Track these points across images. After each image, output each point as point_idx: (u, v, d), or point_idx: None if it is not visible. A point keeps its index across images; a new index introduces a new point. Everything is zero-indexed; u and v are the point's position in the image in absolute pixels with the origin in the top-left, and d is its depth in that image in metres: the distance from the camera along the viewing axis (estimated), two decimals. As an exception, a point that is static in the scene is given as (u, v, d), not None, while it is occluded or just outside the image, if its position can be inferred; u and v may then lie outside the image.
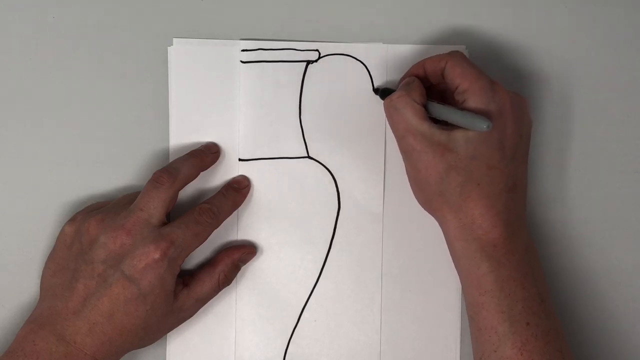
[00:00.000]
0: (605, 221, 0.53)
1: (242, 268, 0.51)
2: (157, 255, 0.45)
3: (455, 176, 0.45)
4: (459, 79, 0.46)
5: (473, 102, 0.45)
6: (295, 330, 0.52)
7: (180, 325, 0.49)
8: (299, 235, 0.52)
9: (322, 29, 0.52)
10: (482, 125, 0.43)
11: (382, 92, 0.50)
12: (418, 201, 0.48)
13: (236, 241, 0.52)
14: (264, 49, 0.52)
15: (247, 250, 0.51)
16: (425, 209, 0.48)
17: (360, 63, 0.52)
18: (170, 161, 0.50)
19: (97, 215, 0.47)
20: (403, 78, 0.50)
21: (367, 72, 0.52)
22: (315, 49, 0.52)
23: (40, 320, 0.45)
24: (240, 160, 0.52)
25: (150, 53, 0.52)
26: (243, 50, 0.52)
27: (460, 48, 0.52)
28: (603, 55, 0.53)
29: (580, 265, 0.53)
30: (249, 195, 0.52)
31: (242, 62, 0.52)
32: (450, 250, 0.47)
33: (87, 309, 0.45)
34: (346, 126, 0.52)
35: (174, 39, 0.52)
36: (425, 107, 0.47)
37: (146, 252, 0.45)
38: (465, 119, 0.44)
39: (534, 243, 0.48)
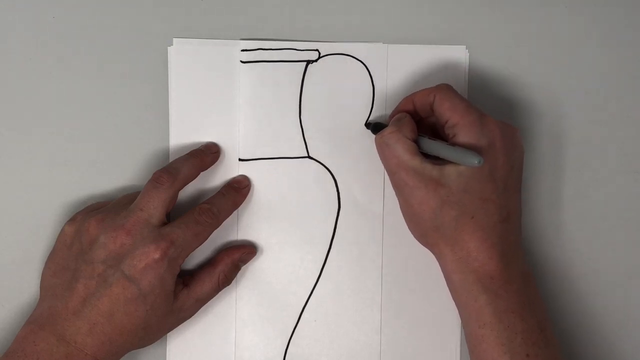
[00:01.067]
0: (605, 221, 0.53)
1: (242, 268, 0.51)
2: (157, 255, 0.45)
3: (449, 210, 0.45)
4: (448, 113, 0.46)
5: (463, 136, 0.46)
6: (295, 330, 0.52)
7: (180, 325, 0.49)
8: (299, 235, 0.52)
9: (322, 29, 0.52)
10: (474, 160, 0.44)
11: (374, 127, 0.50)
12: (413, 235, 0.48)
13: (236, 241, 0.52)
14: (264, 49, 0.52)
15: (247, 250, 0.51)
16: (421, 243, 0.48)
17: (360, 63, 0.52)
18: (170, 161, 0.50)
19: (97, 215, 0.47)
20: (393, 113, 0.50)
21: (367, 72, 0.52)
22: (315, 48, 0.52)
23: (40, 320, 0.45)
24: (240, 160, 0.52)
25: (150, 53, 0.52)
26: (243, 50, 0.52)
27: (460, 48, 0.52)
28: (603, 54, 0.53)
29: (580, 265, 0.53)
30: (249, 195, 0.52)
31: (242, 62, 0.52)
32: (447, 284, 0.47)
33: (87, 309, 0.45)
34: (346, 126, 0.52)
35: (174, 39, 0.52)
36: (416, 142, 0.47)
37: (146, 252, 0.45)
38: (456, 155, 0.45)
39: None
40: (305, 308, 0.52)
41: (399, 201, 0.48)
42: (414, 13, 0.53)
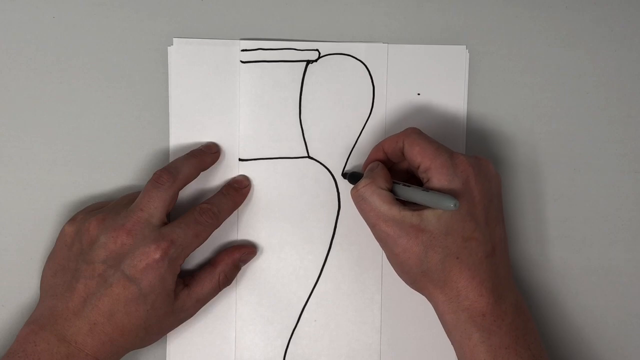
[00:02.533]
0: (605, 221, 0.53)
1: (242, 268, 0.51)
2: (157, 255, 0.45)
3: (434, 255, 0.45)
4: (418, 157, 0.46)
5: (437, 180, 0.46)
6: (295, 330, 0.52)
7: (180, 325, 0.49)
8: (299, 235, 0.52)
9: (322, 28, 0.52)
10: (449, 204, 0.43)
11: (351, 177, 0.51)
12: (404, 281, 0.48)
13: (236, 241, 0.52)
14: (264, 49, 0.52)
15: (247, 250, 0.51)
16: (412, 288, 0.48)
17: (360, 63, 0.52)
18: (170, 161, 0.50)
19: (97, 215, 0.47)
20: (366, 163, 0.50)
21: (367, 72, 0.52)
22: (315, 48, 0.52)
23: (40, 320, 0.45)
24: (240, 160, 0.52)
25: (150, 53, 0.52)
26: (243, 50, 0.52)
27: (461, 48, 0.52)
28: (603, 53, 0.53)
29: (580, 265, 0.53)
30: (249, 195, 0.52)
31: (242, 62, 0.52)
32: (442, 324, 0.47)
33: (87, 309, 0.45)
34: (346, 126, 0.52)
35: (174, 39, 0.52)
36: (392, 190, 0.47)
37: (147, 252, 0.45)
38: (432, 200, 0.45)
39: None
40: (305, 308, 0.52)
41: (384, 251, 0.48)
42: (414, 13, 0.53)
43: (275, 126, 0.52)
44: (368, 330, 0.52)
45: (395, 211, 0.45)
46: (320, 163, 0.52)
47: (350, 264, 0.52)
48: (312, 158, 0.52)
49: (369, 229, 0.47)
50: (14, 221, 0.51)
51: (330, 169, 0.52)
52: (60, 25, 0.52)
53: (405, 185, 0.47)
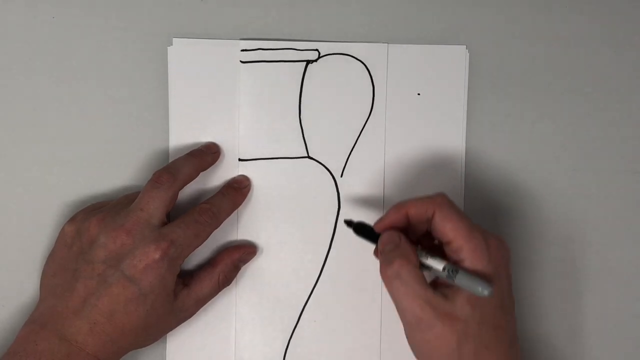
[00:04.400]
0: (605, 221, 0.53)
1: (242, 268, 0.51)
2: (157, 255, 0.45)
3: (467, 345, 0.43)
4: (450, 234, 0.44)
5: (470, 263, 0.43)
6: (295, 330, 0.52)
7: (180, 325, 0.49)
8: (299, 235, 0.52)
9: (322, 29, 0.52)
10: (485, 291, 0.42)
11: (356, 228, 0.47)
12: None
13: (236, 241, 0.52)
14: (264, 49, 0.52)
15: (247, 250, 0.51)
16: None
17: (360, 63, 0.52)
18: (170, 161, 0.50)
19: (97, 215, 0.47)
20: (384, 223, 0.46)
21: (367, 72, 0.52)
22: (315, 48, 0.52)
23: (41, 320, 0.45)
24: (240, 160, 0.52)
25: (150, 53, 0.52)
26: (243, 50, 0.52)
27: (461, 48, 0.52)
28: (603, 53, 0.53)
29: (580, 265, 0.53)
30: (249, 195, 0.52)
31: (242, 62, 0.52)
32: None
33: (87, 308, 0.45)
34: (346, 126, 0.52)
35: (174, 39, 0.52)
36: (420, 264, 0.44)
37: (146, 252, 0.45)
38: (462, 281, 0.43)
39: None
40: (305, 308, 0.52)
41: (410, 337, 0.45)
42: (414, 13, 0.53)
43: (275, 126, 0.52)
44: (368, 330, 0.52)
45: (430, 295, 0.43)
46: (320, 163, 0.52)
47: (350, 264, 0.52)
48: (312, 158, 0.52)
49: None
50: (14, 221, 0.52)
51: (330, 169, 0.52)
52: (60, 25, 0.52)
53: (433, 260, 0.44)
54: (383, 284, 0.49)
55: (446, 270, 0.43)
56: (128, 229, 0.45)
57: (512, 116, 0.53)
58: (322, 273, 0.52)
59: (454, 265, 0.44)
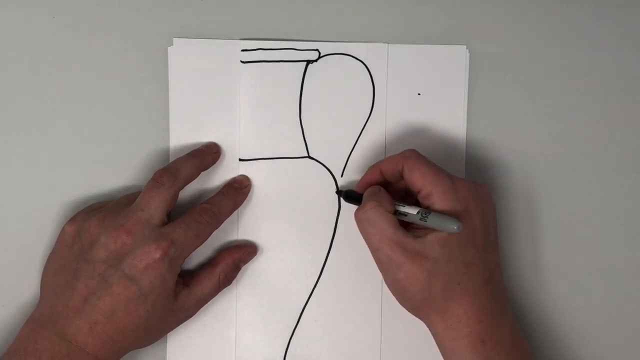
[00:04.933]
0: (605, 221, 0.53)
1: (243, 268, 0.51)
2: (157, 255, 0.45)
3: (436, 282, 0.45)
4: (419, 182, 0.46)
5: (439, 205, 0.46)
6: (295, 330, 0.52)
7: (180, 325, 0.49)
8: (299, 235, 0.52)
9: (322, 28, 0.52)
10: (453, 226, 0.44)
11: (346, 195, 0.51)
12: (404, 307, 0.48)
13: (236, 241, 0.52)
14: (264, 49, 0.52)
15: (247, 250, 0.51)
16: (411, 314, 0.48)
17: (360, 63, 0.52)
18: (170, 161, 0.50)
19: (97, 214, 0.47)
20: (362, 183, 0.50)
21: (368, 72, 0.52)
22: (315, 48, 0.52)
23: (41, 320, 0.45)
24: (240, 160, 0.52)
25: (150, 53, 0.52)
26: (243, 50, 0.52)
27: (461, 48, 0.52)
28: (603, 53, 0.53)
29: (580, 265, 0.53)
30: (249, 195, 0.52)
31: (242, 62, 0.52)
32: (441, 352, 0.47)
33: (87, 308, 0.45)
34: (346, 126, 0.52)
35: (174, 39, 0.52)
36: (395, 212, 0.47)
37: (147, 252, 0.45)
38: (436, 222, 0.45)
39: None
40: (305, 308, 0.52)
41: (384, 277, 0.47)
42: (414, 13, 0.53)
43: (275, 126, 0.52)
44: (368, 330, 0.52)
45: (399, 235, 0.45)
46: (320, 163, 0.52)
47: (350, 264, 0.52)
48: (312, 158, 0.52)
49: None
50: (14, 221, 0.51)
51: (330, 169, 0.52)
52: (60, 25, 0.52)
53: (404, 206, 0.47)
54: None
55: (420, 214, 0.46)
56: (128, 228, 0.45)
57: (512, 116, 0.53)
58: (322, 273, 0.52)
59: (427, 209, 0.46)
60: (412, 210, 0.46)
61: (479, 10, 0.53)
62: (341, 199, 0.52)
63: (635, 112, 0.53)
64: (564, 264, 0.53)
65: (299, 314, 0.52)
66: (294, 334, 0.52)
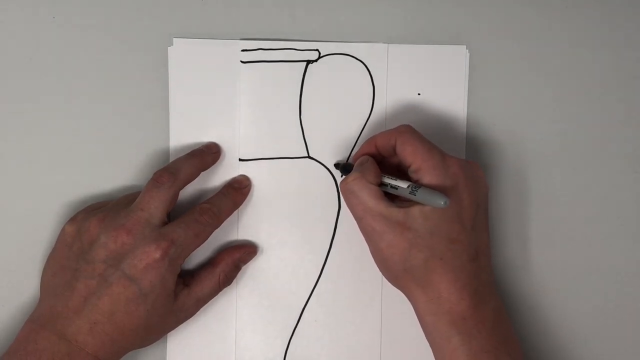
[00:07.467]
0: (605, 221, 0.53)
1: (243, 268, 0.51)
2: (157, 255, 0.45)
3: (418, 253, 0.45)
4: (410, 157, 0.47)
5: (427, 180, 0.46)
6: (295, 330, 0.52)
7: (180, 325, 0.49)
8: (299, 235, 0.52)
9: (322, 28, 0.52)
10: (439, 201, 0.44)
11: (343, 168, 0.51)
12: (386, 278, 0.48)
13: (237, 241, 0.52)
14: (264, 49, 0.52)
15: (247, 250, 0.51)
16: (393, 286, 0.48)
17: (360, 63, 0.52)
18: (170, 161, 0.50)
19: (97, 214, 0.47)
20: (357, 156, 0.50)
21: (368, 72, 0.52)
22: (315, 48, 0.52)
23: (41, 320, 0.45)
24: (240, 160, 0.52)
25: (150, 53, 0.52)
26: (243, 50, 0.52)
27: (461, 48, 0.52)
28: (603, 53, 0.53)
29: (580, 265, 0.53)
30: (249, 195, 0.52)
31: (242, 62, 0.52)
32: (421, 325, 0.47)
33: (87, 308, 0.45)
34: (346, 126, 0.52)
35: (174, 39, 0.52)
36: (381, 184, 0.47)
37: (147, 252, 0.45)
38: (422, 196, 0.45)
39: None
40: (305, 308, 0.52)
41: (369, 247, 0.48)
42: (414, 13, 0.53)
43: (275, 126, 0.52)
44: (368, 330, 0.52)
45: (382, 206, 0.46)
46: (320, 163, 0.52)
47: (350, 264, 0.52)
48: (312, 158, 0.52)
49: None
50: (14, 221, 0.51)
51: (331, 169, 0.52)
52: (60, 25, 0.52)
53: (394, 179, 0.47)
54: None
55: (409, 188, 0.46)
56: (128, 228, 0.45)
57: (512, 116, 0.53)
58: (322, 273, 0.52)
59: (416, 183, 0.46)
60: (402, 184, 0.46)
61: (479, 10, 0.53)
62: (339, 195, 0.52)
63: (635, 112, 0.53)
64: (564, 264, 0.53)
65: (299, 314, 0.52)
66: (294, 333, 0.52)
